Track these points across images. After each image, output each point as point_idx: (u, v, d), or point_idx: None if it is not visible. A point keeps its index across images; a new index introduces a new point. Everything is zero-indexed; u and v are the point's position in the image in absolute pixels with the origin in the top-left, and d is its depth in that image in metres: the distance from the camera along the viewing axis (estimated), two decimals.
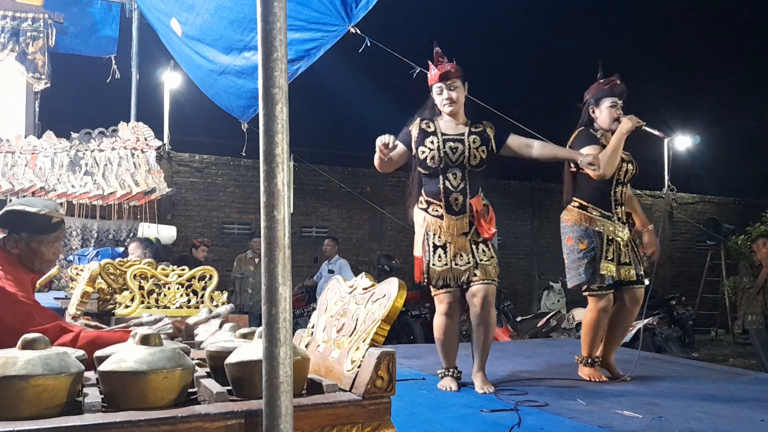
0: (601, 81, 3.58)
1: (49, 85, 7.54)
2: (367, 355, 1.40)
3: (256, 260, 8.65)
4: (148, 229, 7.08)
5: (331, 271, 8.62)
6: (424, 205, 3.27)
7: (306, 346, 1.70)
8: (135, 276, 3.14)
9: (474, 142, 3.23)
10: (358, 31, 4.93)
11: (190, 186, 10.51)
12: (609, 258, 3.41)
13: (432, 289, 3.30)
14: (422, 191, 3.30)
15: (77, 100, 11.26)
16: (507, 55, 16.96)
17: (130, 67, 9.14)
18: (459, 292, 3.26)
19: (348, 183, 11.11)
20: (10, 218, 2.25)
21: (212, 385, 1.36)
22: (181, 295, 3.18)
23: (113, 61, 9.25)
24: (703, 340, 11.10)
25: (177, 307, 3.12)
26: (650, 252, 3.63)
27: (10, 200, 6.05)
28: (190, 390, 1.37)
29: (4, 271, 2.16)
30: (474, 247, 3.20)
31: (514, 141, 3.31)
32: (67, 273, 5.55)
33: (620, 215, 3.50)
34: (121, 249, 6.14)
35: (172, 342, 1.64)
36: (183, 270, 3.28)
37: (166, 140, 9.68)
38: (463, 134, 3.25)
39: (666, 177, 12.39)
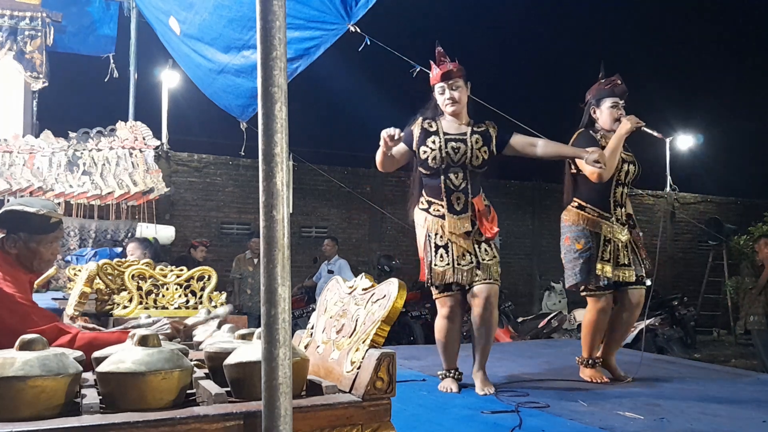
0: (602, 81, 3.58)
1: (47, 84, 7.52)
2: (367, 356, 1.39)
3: (255, 260, 8.64)
4: (147, 229, 7.08)
5: (330, 272, 8.61)
6: (425, 206, 3.25)
7: (305, 347, 1.69)
8: (133, 276, 3.13)
9: (476, 142, 3.20)
10: (358, 30, 4.93)
11: (188, 186, 10.50)
12: (605, 259, 3.41)
13: (433, 291, 3.28)
14: (423, 191, 3.28)
15: (75, 99, 11.24)
16: (508, 54, 16.96)
17: (129, 66, 9.12)
18: (460, 295, 3.24)
19: (348, 183, 11.10)
20: (9, 218, 2.25)
21: (211, 387, 1.35)
22: (180, 296, 3.17)
23: (111, 60, 9.24)
24: (705, 340, 11.10)
25: (175, 308, 3.11)
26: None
27: (8, 200, 6.03)
28: (188, 391, 1.36)
29: (3, 272, 2.15)
30: (476, 246, 3.18)
31: (518, 140, 3.29)
32: (65, 273, 5.54)
33: (619, 216, 3.49)
34: (119, 249, 6.13)
35: (170, 343, 1.63)
36: (181, 270, 3.27)
37: (164, 140, 9.66)
38: (465, 134, 3.22)
39: (668, 177, 12.42)
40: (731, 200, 15.09)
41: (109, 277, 3.22)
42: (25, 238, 2.24)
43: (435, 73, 3.27)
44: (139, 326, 2.22)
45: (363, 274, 1.68)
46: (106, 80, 9.24)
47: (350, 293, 1.63)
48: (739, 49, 19.55)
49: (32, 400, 1.19)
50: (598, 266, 3.39)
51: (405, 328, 8.35)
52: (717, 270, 12.00)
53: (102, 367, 1.28)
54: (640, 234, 3.62)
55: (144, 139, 7.34)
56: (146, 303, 3.11)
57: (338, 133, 15.96)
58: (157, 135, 8.22)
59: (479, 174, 3.24)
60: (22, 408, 1.18)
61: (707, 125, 15.41)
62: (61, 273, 5.97)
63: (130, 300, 3.10)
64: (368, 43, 4.95)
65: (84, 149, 7.06)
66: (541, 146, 3.27)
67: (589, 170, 3.36)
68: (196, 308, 3.08)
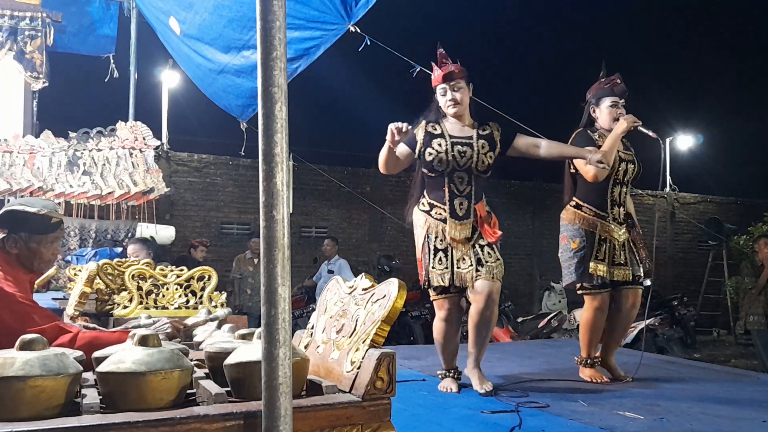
0: (603, 80, 3.58)
1: (47, 84, 7.52)
2: (367, 356, 1.39)
3: (255, 260, 8.63)
4: (147, 229, 7.07)
5: (330, 272, 8.60)
6: (427, 207, 3.22)
7: (305, 347, 1.69)
8: (133, 276, 3.13)
9: (483, 147, 3.17)
10: (358, 30, 4.93)
11: (188, 186, 10.50)
12: (599, 258, 3.42)
13: (431, 293, 3.26)
14: (425, 193, 3.25)
15: (75, 99, 11.24)
16: (508, 54, 16.96)
17: (129, 66, 9.12)
18: (458, 297, 3.22)
19: (348, 183, 11.10)
20: (10, 218, 2.25)
21: (211, 386, 1.35)
22: (180, 296, 3.17)
23: (111, 60, 9.24)
24: (705, 340, 11.10)
25: (175, 308, 3.11)
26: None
27: (8, 200, 6.04)
28: (188, 391, 1.36)
29: (3, 272, 2.15)
30: (479, 249, 3.15)
31: (521, 141, 3.27)
32: (65, 273, 5.54)
33: (617, 215, 3.48)
34: (120, 249, 6.13)
35: (170, 343, 1.63)
36: (182, 270, 3.27)
37: (164, 140, 9.67)
38: (471, 137, 3.19)
39: (667, 178, 12.41)
40: (731, 200, 15.08)
41: (110, 277, 3.22)
42: (25, 238, 2.24)
43: (436, 74, 3.24)
44: (139, 326, 2.22)
45: (363, 274, 1.68)
46: (106, 80, 9.24)
47: (350, 293, 1.63)
48: (739, 49, 19.54)
49: (32, 400, 1.19)
50: (592, 265, 3.40)
51: (405, 328, 8.35)
52: (717, 270, 11.99)
53: (102, 367, 1.28)
54: (640, 232, 3.61)
55: (144, 139, 7.34)
56: (146, 303, 3.11)
57: (338, 133, 15.96)
58: (157, 135, 8.22)
59: (483, 179, 3.22)
60: (22, 408, 1.18)
61: (707, 125, 15.42)
62: (62, 273, 5.97)
63: (131, 300, 3.10)
64: (368, 43, 4.95)
65: (84, 149, 7.06)
66: (544, 147, 3.25)
67: (584, 169, 3.37)
68: (196, 308, 3.08)
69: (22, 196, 5.97)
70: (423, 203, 3.25)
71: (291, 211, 2.25)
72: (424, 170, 3.21)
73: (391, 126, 2.91)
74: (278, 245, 1.20)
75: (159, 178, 7.24)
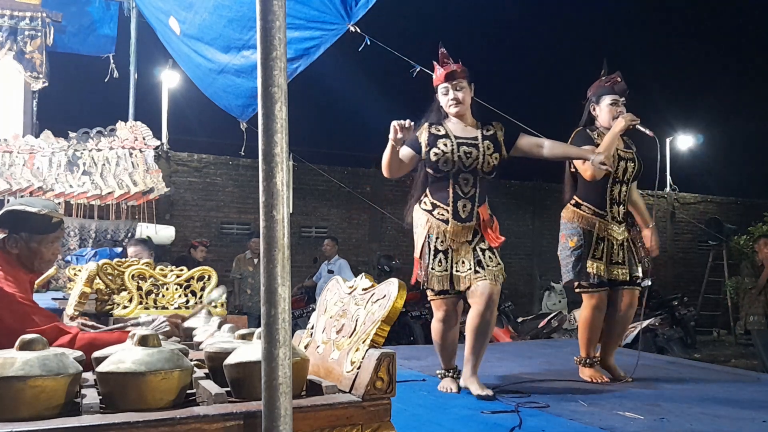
0: (603, 78, 3.58)
1: (47, 84, 7.53)
2: (367, 356, 1.39)
3: (255, 260, 8.63)
4: (147, 229, 7.07)
5: (330, 272, 8.60)
6: (429, 207, 3.18)
7: (305, 347, 1.69)
8: (133, 276, 3.13)
9: (488, 148, 3.14)
10: (358, 30, 4.92)
11: (188, 186, 10.50)
12: (596, 256, 3.42)
13: (429, 293, 3.23)
14: (427, 192, 3.21)
15: (75, 99, 11.25)
16: (508, 54, 16.96)
17: (129, 66, 9.12)
18: (457, 298, 3.19)
19: (348, 183, 11.10)
20: (10, 218, 2.25)
21: (211, 387, 1.35)
22: (180, 296, 3.17)
23: (111, 60, 9.24)
24: (705, 340, 11.10)
25: (175, 308, 3.11)
26: (652, 251, 3.59)
27: (8, 200, 6.04)
28: (188, 391, 1.36)
29: (4, 272, 2.15)
30: (480, 253, 3.12)
31: (525, 141, 3.24)
32: (65, 273, 5.55)
33: (615, 214, 3.48)
34: (120, 249, 6.13)
35: (170, 343, 1.63)
36: (181, 270, 3.27)
37: (164, 140, 9.67)
38: (476, 138, 3.16)
39: (667, 178, 12.41)
40: (731, 200, 15.08)
41: (109, 277, 3.22)
42: (26, 238, 2.24)
43: (438, 73, 3.22)
44: (137, 325, 2.22)
45: (363, 274, 1.68)
46: (106, 80, 9.24)
47: (350, 293, 1.63)
48: (739, 49, 19.55)
49: (32, 400, 1.19)
50: (589, 263, 3.41)
51: (405, 328, 8.35)
52: (717, 270, 11.99)
53: (102, 367, 1.28)
54: (639, 230, 3.61)
55: (144, 139, 7.34)
56: (146, 303, 3.11)
57: (338, 133, 15.97)
58: (157, 135, 8.23)
59: (488, 181, 3.19)
60: (22, 408, 1.18)
61: (707, 125, 15.43)
62: (61, 273, 5.98)
63: (130, 300, 3.10)
64: (368, 43, 4.94)
65: (84, 149, 7.07)
66: (548, 147, 3.22)
67: (583, 168, 3.37)
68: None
69: (22, 196, 5.97)
70: (425, 202, 3.21)
71: (291, 211, 2.25)
72: (429, 170, 3.16)
73: (394, 122, 2.88)
74: (278, 245, 1.20)
75: (159, 178, 7.24)
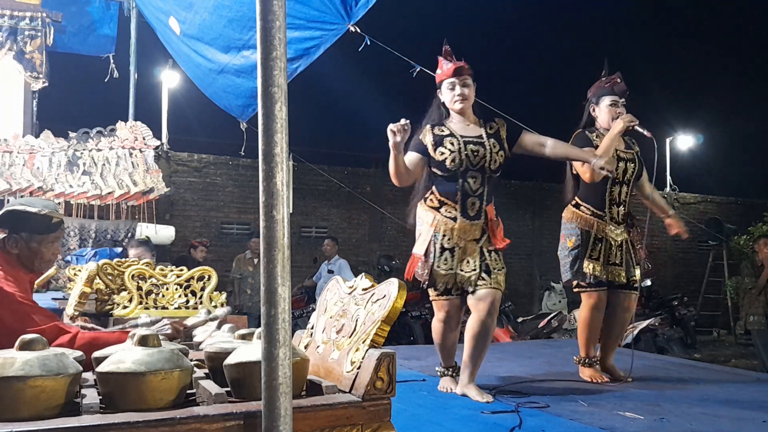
0: (603, 79, 3.58)
1: (47, 84, 7.52)
2: (367, 356, 1.39)
3: (255, 260, 8.63)
4: (146, 229, 7.07)
5: (330, 272, 8.60)
6: (436, 204, 3.13)
7: (305, 347, 1.69)
8: (133, 276, 3.13)
9: (494, 146, 3.12)
10: (358, 30, 4.92)
11: (188, 186, 10.50)
12: (593, 257, 3.44)
13: (431, 293, 3.18)
14: (434, 190, 3.16)
15: (75, 99, 11.25)
16: (509, 54, 16.96)
17: (129, 66, 9.12)
18: (460, 300, 3.15)
19: (348, 183, 11.10)
20: (10, 218, 2.25)
21: (211, 387, 1.35)
22: (180, 296, 3.16)
23: (111, 60, 9.24)
24: (705, 340, 11.10)
25: (175, 308, 3.11)
26: (676, 231, 3.63)
27: (8, 200, 6.04)
28: (188, 391, 1.36)
29: (4, 271, 2.15)
30: (486, 254, 3.10)
31: (527, 140, 3.22)
32: (65, 273, 5.54)
33: (615, 215, 3.49)
34: (120, 249, 6.13)
35: (170, 343, 1.63)
36: (181, 270, 3.26)
37: (164, 140, 9.67)
38: (481, 136, 3.14)
39: (667, 178, 12.40)
40: (731, 200, 15.08)
41: (109, 277, 3.22)
42: (26, 238, 2.24)
43: (446, 68, 3.17)
44: (137, 326, 2.22)
45: (363, 274, 1.68)
46: (106, 80, 9.24)
47: (350, 293, 1.63)
48: (739, 49, 19.55)
49: (32, 400, 1.19)
50: (585, 263, 3.42)
51: (405, 328, 8.35)
52: (717, 270, 11.99)
53: (102, 367, 1.28)
54: (639, 230, 3.62)
55: (144, 139, 7.34)
56: (146, 303, 3.11)
57: (338, 133, 15.97)
58: (157, 135, 8.23)
59: (494, 179, 3.16)
60: (22, 408, 1.18)
61: (707, 125, 15.43)
62: (61, 273, 5.97)
63: (130, 300, 3.10)
64: (368, 43, 4.94)
65: (84, 149, 7.07)
66: (550, 146, 3.20)
67: (582, 170, 3.38)
68: (196, 308, 3.08)
69: (22, 196, 5.97)
70: (432, 200, 3.15)
71: (291, 211, 2.25)
72: (436, 170, 3.12)
73: (390, 126, 2.84)
74: (278, 245, 1.20)
75: (159, 178, 7.24)
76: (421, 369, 3.72)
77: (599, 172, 3.14)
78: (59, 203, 6.71)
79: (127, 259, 3.70)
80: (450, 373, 3.24)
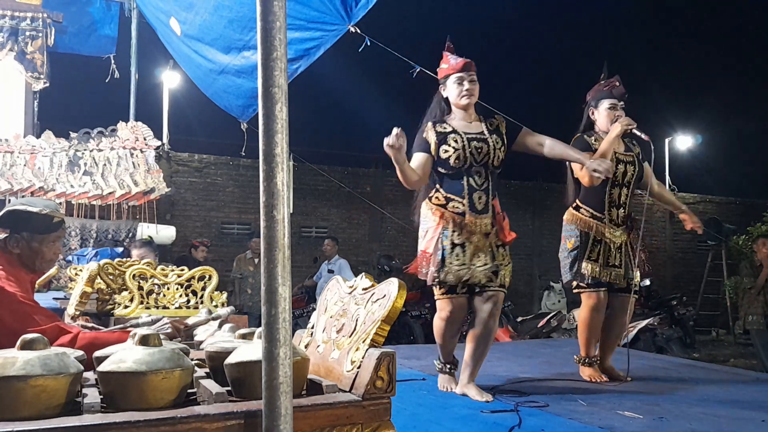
0: (602, 82, 3.59)
1: (47, 84, 7.53)
2: (367, 355, 1.40)
3: (256, 260, 8.63)
4: (147, 229, 7.08)
5: (330, 271, 8.61)
6: (442, 201, 3.11)
7: (306, 347, 1.69)
8: (134, 276, 3.13)
9: (497, 142, 3.12)
10: (358, 31, 4.93)
11: (189, 186, 10.50)
12: (592, 258, 3.46)
13: (436, 291, 3.15)
14: (438, 188, 3.14)
15: (76, 99, 11.26)
16: (508, 55, 16.96)
17: (129, 67, 9.12)
18: (465, 299, 3.12)
19: (348, 183, 11.11)
20: (12, 218, 2.25)
21: (212, 386, 1.35)
22: (181, 296, 3.17)
23: (112, 61, 9.24)
24: (704, 340, 11.10)
25: (176, 308, 3.11)
26: (691, 226, 3.68)
27: (9, 200, 6.04)
28: (189, 390, 1.37)
29: (5, 271, 2.16)
30: (495, 249, 3.09)
31: (527, 137, 3.22)
32: (66, 273, 5.54)
33: (614, 217, 3.49)
34: (121, 249, 6.13)
35: (171, 342, 1.63)
36: (182, 270, 3.27)
37: (165, 140, 9.68)
38: (482, 132, 3.14)
39: (666, 178, 12.39)
40: (731, 200, 15.08)
41: (110, 277, 3.22)
42: (27, 238, 2.25)
43: (454, 62, 3.15)
44: (138, 325, 2.22)
45: (363, 273, 1.68)
46: (107, 81, 9.24)
47: (350, 293, 1.64)
48: (739, 49, 19.55)
49: (33, 400, 1.19)
50: (584, 264, 3.45)
51: (405, 327, 8.35)
52: (716, 270, 11.99)
53: (103, 367, 1.29)
54: (638, 233, 3.62)
55: (145, 139, 7.35)
56: (147, 303, 3.11)
57: (338, 133, 15.98)
58: (158, 135, 8.23)
59: (497, 174, 3.17)
60: (23, 407, 1.18)
61: (707, 125, 15.42)
62: (63, 273, 5.98)
63: (131, 300, 3.10)
64: (368, 43, 4.94)
65: (85, 149, 7.07)
66: (548, 146, 3.20)
67: (580, 174, 3.40)
68: (196, 308, 3.08)
69: (23, 196, 5.98)
70: (438, 197, 3.13)
71: (291, 211, 2.25)
72: (440, 169, 3.12)
73: (386, 142, 2.82)
74: (278, 245, 1.21)
75: (159, 178, 7.24)
76: (421, 368, 3.72)
77: (593, 174, 3.14)
78: (60, 203, 6.71)
79: (128, 259, 3.70)
80: (448, 369, 3.23)
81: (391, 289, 1.47)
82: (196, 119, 11.64)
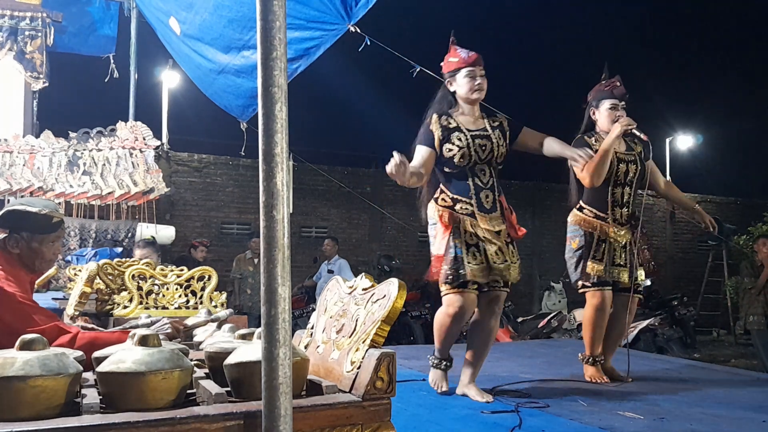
0: (603, 83, 3.60)
1: (47, 84, 7.52)
2: (367, 356, 1.40)
3: (256, 260, 8.63)
4: (147, 229, 7.07)
5: (330, 272, 8.60)
6: (450, 203, 3.07)
7: (305, 347, 1.69)
8: (133, 276, 3.13)
9: (499, 138, 3.11)
10: (358, 30, 4.92)
11: (188, 186, 10.50)
12: (597, 258, 3.47)
13: (444, 287, 3.04)
14: (443, 189, 3.11)
15: (75, 99, 11.25)
16: (508, 55, 16.95)
17: (129, 67, 9.12)
18: (476, 295, 3.05)
19: (348, 183, 11.10)
20: (11, 218, 2.25)
21: (211, 386, 1.35)
22: (180, 296, 3.17)
23: (112, 61, 9.23)
24: (705, 340, 11.09)
25: (176, 308, 3.11)
26: (706, 222, 3.83)
27: (8, 200, 6.04)
28: (189, 391, 1.36)
29: (5, 271, 2.15)
30: (505, 246, 3.08)
31: (527, 136, 3.21)
32: (66, 273, 5.54)
33: (618, 217, 3.50)
34: (120, 249, 6.13)
35: (170, 343, 1.63)
36: (182, 270, 3.27)
37: (164, 140, 9.67)
38: (485, 129, 3.12)
39: (666, 178, 12.36)
40: (731, 200, 15.09)
41: (110, 277, 3.22)
42: (27, 238, 2.25)
43: (464, 56, 3.11)
44: (137, 326, 2.22)
45: (363, 274, 1.68)
46: (106, 80, 9.24)
47: (350, 293, 1.63)
48: (739, 49, 19.56)
49: (32, 400, 1.19)
50: (589, 264, 3.46)
51: (405, 328, 8.35)
52: (717, 270, 11.99)
53: (102, 367, 1.29)
54: (644, 231, 3.64)
55: (144, 139, 7.34)
56: (146, 303, 3.11)
57: (338, 133, 15.98)
58: (158, 135, 8.22)
59: (499, 171, 3.16)
60: (22, 408, 1.18)
61: (707, 125, 15.43)
62: (62, 273, 5.97)
63: (131, 300, 3.10)
64: (368, 43, 4.94)
65: (84, 149, 7.06)
66: (547, 144, 3.19)
67: (581, 176, 3.42)
68: (196, 308, 3.08)
69: (22, 196, 5.97)
70: (444, 199, 3.09)
71: (291, 211, 2.24)
72: (444, 168, 3.09)
73: (388, 170, 2.79)
74: (278, 245, 1.20)
75: (159, 178, 7.24)
76: (421, 369, 3.72)
77: (574, 163, 3.19)
78: (59, 203, 6.71)
79: (128, 259, 3.70)
80: (444, 366, 3.19)
81: (391, 289, 1.47)
82: (196, 119, 11.63)
